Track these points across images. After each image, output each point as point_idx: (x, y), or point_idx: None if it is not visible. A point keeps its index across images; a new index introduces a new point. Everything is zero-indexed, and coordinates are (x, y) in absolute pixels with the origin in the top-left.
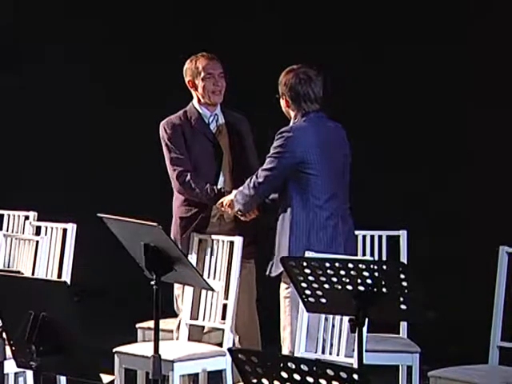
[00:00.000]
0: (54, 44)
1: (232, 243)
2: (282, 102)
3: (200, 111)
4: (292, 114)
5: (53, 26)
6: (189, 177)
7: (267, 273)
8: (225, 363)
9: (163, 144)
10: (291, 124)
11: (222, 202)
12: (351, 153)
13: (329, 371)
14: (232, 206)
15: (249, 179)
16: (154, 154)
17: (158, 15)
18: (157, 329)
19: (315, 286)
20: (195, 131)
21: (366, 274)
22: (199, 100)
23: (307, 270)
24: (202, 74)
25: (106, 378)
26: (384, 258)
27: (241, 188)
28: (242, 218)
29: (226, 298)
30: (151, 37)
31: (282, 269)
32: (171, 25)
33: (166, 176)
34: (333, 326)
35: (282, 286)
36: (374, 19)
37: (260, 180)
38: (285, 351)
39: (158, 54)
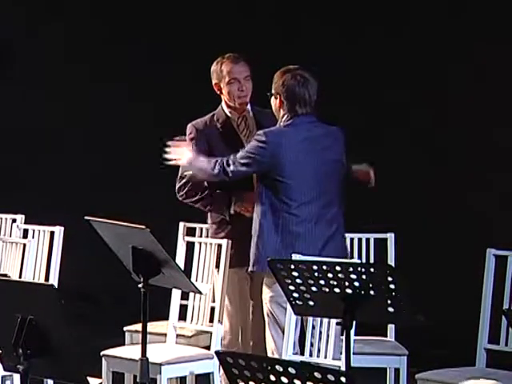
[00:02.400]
0: (53, 44)
1: (220, 246)
2: (275, 102)
3: (228, 115)
4: (281, 114)
5: (53, 26)
6: (187, 188)
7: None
8: (212, 366)
9: None
10: (277, 125)
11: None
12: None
13: (316, 374)
14: (182, 159)
15: (222, 160)
16: (145, 156)
17: (158, 15)
18: (144, 332)
19: (303, 288)
20: (222, 137)
21: (353, 276)
22: (226, 103)
23: (295, 273)
24: (227, 79)
25: (93, 381)
26: (372, 261)
27: (205, 161)
28: (246, 215)
29: (214, 301)
30: (151, 37)
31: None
32: (172, 25)
33: (155, 178)
34: (320, 331)
35: (264, 289)
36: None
37: (230, 168)
38: (269, 352)
39: (157, 55)
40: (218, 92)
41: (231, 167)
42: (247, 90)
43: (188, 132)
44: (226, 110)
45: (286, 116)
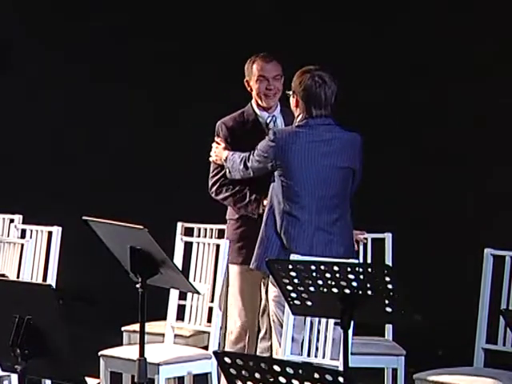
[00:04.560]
0: (52, 44)
1: (218, 246)
2: (293, 100)
3: (257, 113)
4: (297, 113)
5: (51, 26)
6: (219, 184)
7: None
8: (210, 366)
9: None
10: (293, 124)
11: (216, 160)
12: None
13: (314, 374)
14: (221, 157)
15: (245, 155)
16: (144, 156)
17: (159, 15)
18: (142, 332)
19: (301, 288)
20: (251, 135)
21: (351, 276)
22: (256, 101)
23: (293, 273)
24: (256, 77)
25: (91, 381)
26: (369, 261)
27: (236, 156)
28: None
29: (212, 301)
30: (151, 36)
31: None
32: (173, 25)
33: (153, 178)
34: (318, 329)
35: (269, 289)
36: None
37: (249, 164)
38: (274, 354)
39: (157, 55)
40: (249, 89)
41: (249, 163)
42: (275, 89)
43: (218, 130)
44: (256, 109)
45: (300, 116)
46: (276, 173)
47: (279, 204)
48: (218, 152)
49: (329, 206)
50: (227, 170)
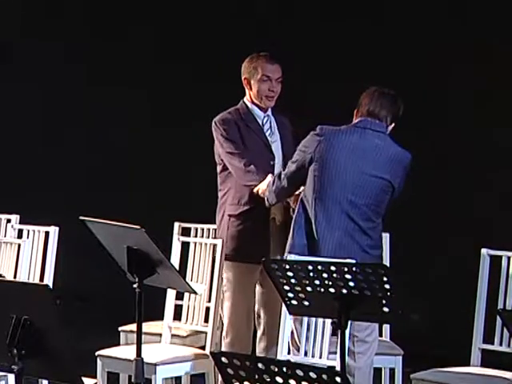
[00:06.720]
0: (50, 44)
1: (215, 246)
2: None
3: (253, 111)
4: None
5: (50, 26)
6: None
7: None
8: (207, 366)
9: (220, 141)
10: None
11: (258, 190)
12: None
13: (311, 374)
14: (264, 193)
15: (280, 170)
16: (141, 156)
17: (158, 15)
18: (139, 332)
19: (298, 288)
20: (250, 130)
21: (348, 276)
22: (251, 99)
23: (289, 273)
24: (259, 76)
25: (88, 381)
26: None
27: (271, 179)
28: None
29: (209, 301)
30: (151, 36)
31: None
32: (173, 27)
33: (150, 178)
34: (315, 328)
35: None
36: None
37: (285, 170)
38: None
39: (156, 55)
40: (247, 87)
41: (284, 171)
42: (276, 91)
43: (217, 125)
44: (250, 106)
45: (357, 118)
46: (311, 167)
47: (309, 200)
48: (261, 191)
49: (359, 215)
50: (266, 199)
